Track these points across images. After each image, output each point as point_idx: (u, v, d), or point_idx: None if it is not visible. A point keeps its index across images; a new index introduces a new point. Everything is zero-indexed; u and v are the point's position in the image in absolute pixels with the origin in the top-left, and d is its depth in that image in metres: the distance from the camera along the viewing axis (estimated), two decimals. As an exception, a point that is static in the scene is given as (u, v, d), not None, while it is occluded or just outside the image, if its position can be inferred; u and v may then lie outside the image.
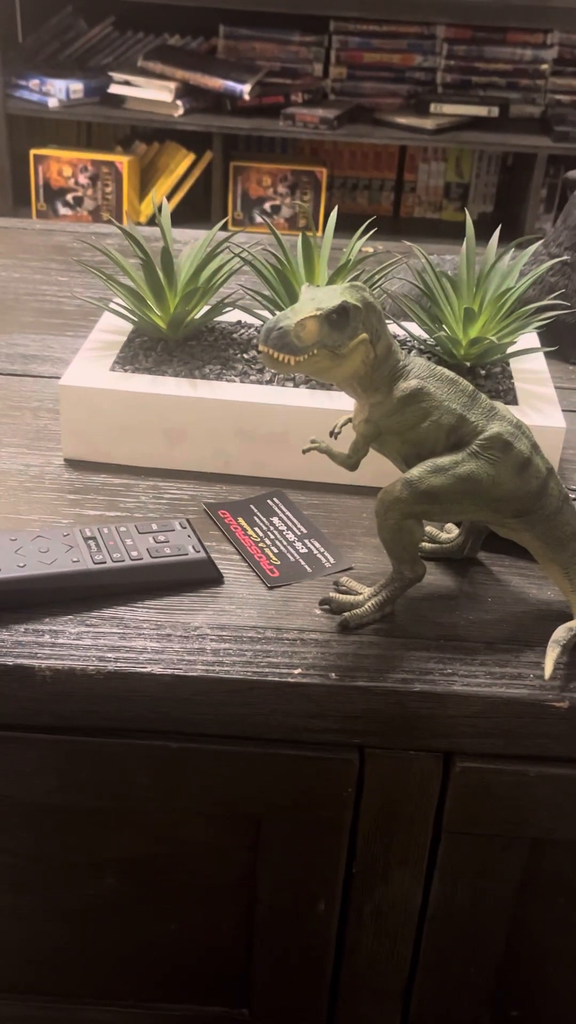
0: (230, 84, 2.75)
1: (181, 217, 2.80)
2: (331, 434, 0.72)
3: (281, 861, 0.72)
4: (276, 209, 2.91)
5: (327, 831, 0.71)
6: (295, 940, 0.76)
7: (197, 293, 0.86)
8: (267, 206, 2.91)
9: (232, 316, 0.96)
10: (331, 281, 0.88)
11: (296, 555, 0.75)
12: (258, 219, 2.89)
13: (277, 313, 0.60)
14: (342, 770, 0.67)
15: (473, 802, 0.68)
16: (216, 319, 0.94)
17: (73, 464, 0.84)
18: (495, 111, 2.85)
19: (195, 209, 2.90)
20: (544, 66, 2.94)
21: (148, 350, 0.87)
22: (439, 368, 0.66)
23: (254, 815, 0.71)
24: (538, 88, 2.97)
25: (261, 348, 0.59)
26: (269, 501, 0.80)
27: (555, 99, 2.97)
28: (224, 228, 2.61)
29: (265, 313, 0.91)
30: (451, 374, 0.66)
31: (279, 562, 0.74)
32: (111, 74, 2.78)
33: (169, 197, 2.88)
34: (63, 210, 2.87)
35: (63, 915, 0.77)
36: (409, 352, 0.89)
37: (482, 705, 0.64)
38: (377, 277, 0.90)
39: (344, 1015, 0.80)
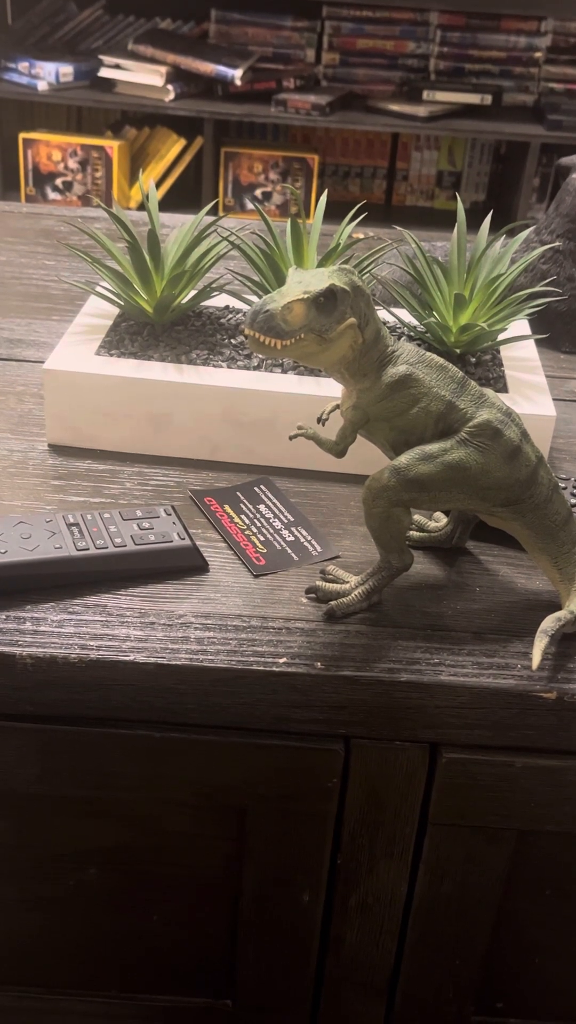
0: (221, 69, 2.73)
1: (171, 203, 2.78)
2: (319, 420, 0.71)
3: (265, 852, 0.72)
4: (267, 196, 2.89)
5: (312, 822, 0.70)
6: (279, 931, 0.76)
7: (184, 277, 0.85)
8: (258, 193, 2.89)
9: (220, 301, 0.94)
10: (320, 266, 0.87)
11: (283, 543, 0.74)
12: (249, 205, 2.88)
13: (264, 296, 0.59)
14: (327, 761, 0.66)
15: (459, 793, 0.67)
16: (204, 304, 0.93)
17: (57, 449, 0.83)
18: (488, 99, 2.83)
19: (186, 195, 2.88)
20: (538, 54, 2.92)
21: (134, 334, 0.86)
22: (428, 354, 0.65)
23: (238, 805, 0.70)
24: (531, 76, 2.95)
25: (247, 331, 0.58)
26: (256, 488, 0.79)
27: (548, 87, 2.96)
28: (214, 212, 2.59)
29: (253, 298, 0.90)
30: (440, 360, 0.65)
31: (265, 550, 0.73)
32: (101, 58, 2.76)
33: (160, 183, 2.86)
34: (52, 195, 2.85)
35: (45, 905, 0.77)
36: (399, 338, 0.88)
37: (469, 695, 0.63)
38: (367, 262, 0.89)
39: (328, 1007, 0.80)
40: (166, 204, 2.74)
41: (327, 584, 0.68)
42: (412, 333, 0.89)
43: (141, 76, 2.73)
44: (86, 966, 0.80)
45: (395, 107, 2.81)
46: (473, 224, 0.91)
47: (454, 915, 0.74)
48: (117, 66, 2.75)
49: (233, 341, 0.87)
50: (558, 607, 0.68)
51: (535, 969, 0.79)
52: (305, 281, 0.59)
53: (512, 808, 0.68)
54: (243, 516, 0.76)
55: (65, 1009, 0.82)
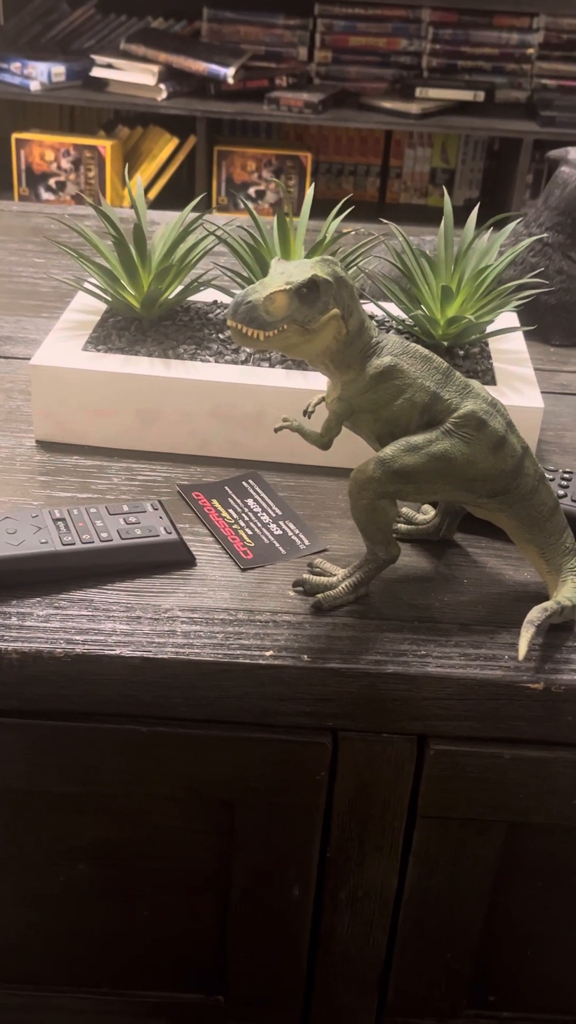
0: (214, 68, 2.73)
1: (165, 202, 2.78)
2: (304, 413, 0.71)
3: (255, 846, 0.71)
4: (261, 194, 2.89)
5: (301, 815, 0.70)
6: (270, 926, 0.75)
7: (171, 272, 0.85)
8: (252, 191, 2.89)
9: (207, 296, 0.94)
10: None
11: (270, 537, 0.74)
12: (242, 204, 2.87)
13: (246, 287, 0.59)
14: (315, 754, 0.66)
15: (448, 786, 0.67)
16: (191, 299, 0.92)
17: (45, 446, 0.82)
18: (481, 96, 2.83)
19: (179, 194, 2.87)
20: (530, 50, 2.92)
21: (121, 330, 0.86)
22: (413, 345, 0.65)
23: (227, 799, 0.70)
24: (524, 72, 2.95)
25: (230, 323, 0.58)
26: (244, 483, 0.79)
27: (541, 83, 2.95)
28: (202, 207, 2.59)
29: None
30: (425, 351, 0.65)
31: (253, 544, 0.73)
32: (93, 57, 2.76)
33: (153, 182, 2.86)
34: (45, 195, 2.84)
35: (34, 901, 0.76)
36: (387, 332, 0.88)
37: (456, 687, 0.63)
38: (354, 256, 0.89)
39: (320, 1001, 0.80)
40: (160, 203, 2.74)
41: (314, 577, 0.68)
42: (400, 326, 0.89)
43: (133, 75, 2.72)
44: (77, 962, 0.80)
45: (388, 104, 2.80)
46: (465, 219, 0.90)
47: (445, 908, 0.74)
48: (109, 65, 2.74)
49: (221, 336, 0.86)
50: (545, 598, 0.68)
51: (527, 962, 0.79)
52: (288, 272, 0.59)
53: (501, 800, 0.68)
54: (231, 510, 0.76)
55: (56, 1006, 0.81)
